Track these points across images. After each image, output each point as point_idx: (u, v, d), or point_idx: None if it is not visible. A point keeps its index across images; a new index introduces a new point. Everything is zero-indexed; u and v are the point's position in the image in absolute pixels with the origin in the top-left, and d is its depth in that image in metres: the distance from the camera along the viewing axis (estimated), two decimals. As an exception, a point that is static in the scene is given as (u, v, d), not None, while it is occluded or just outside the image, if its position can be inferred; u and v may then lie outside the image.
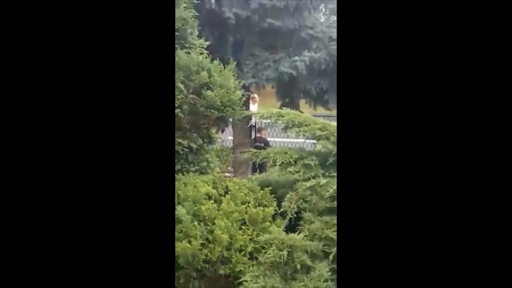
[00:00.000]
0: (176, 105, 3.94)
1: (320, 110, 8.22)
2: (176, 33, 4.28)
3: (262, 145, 7.60)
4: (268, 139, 8.79)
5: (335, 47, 6.89)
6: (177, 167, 4.21)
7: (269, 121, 4.25)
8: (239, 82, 4.61)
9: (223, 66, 4.37)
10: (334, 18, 8.47)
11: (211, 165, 4.81)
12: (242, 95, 4.46)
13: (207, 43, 4.63)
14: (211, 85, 4.14)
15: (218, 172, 4.90)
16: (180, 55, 4.09)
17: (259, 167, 7.43)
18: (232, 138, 8.76)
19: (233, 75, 4.44)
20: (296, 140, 4.43)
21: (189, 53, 4.22)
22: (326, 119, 4.59)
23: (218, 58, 4.47)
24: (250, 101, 9.29)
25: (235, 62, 4.70)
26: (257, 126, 8.65)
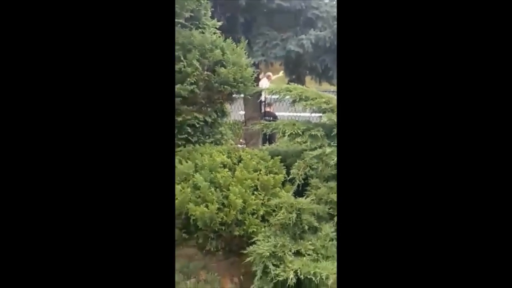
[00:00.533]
0: (192, 81, 3.94)
1: (325, 85, 8.15)
2: (191, 14, 4.23)
3: (271, 118, 7.59)
4: (276, 113, 8.76)
5: (339, 25, 6.76)
6: (194, 139, 4.23)
7: (278, 96, 4.24)
8: (250, 60, 4.57)
9: (235, 45, 4.33)
10: (338, -2, 8.29)
11: (225, 137, 4.83)
12: (254, 71, 4.43)
13: (220, 23, 4.57)
14: (224, 63, 4.11)
15: (231, 144, 4.92)
16: (195, 35, 4.06)
17: (269, 139, 7.44)
18: (243, 112, 8.73)
19: (245, 53, 4.40)
20: (302, 114, 4.39)
21: (203, 32, 4.18)
22: (331, 93, 4.56)
23: (230, 37, 4.43)
24: (266, 78, 9.18)
25: (246, 41, 4.66)
26: (266, 102, 8.61)
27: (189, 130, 4.16)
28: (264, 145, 5.73)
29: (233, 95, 4.47)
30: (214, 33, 4.32)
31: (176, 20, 4.11)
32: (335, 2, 7.55)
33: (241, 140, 8.33)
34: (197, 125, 4.26)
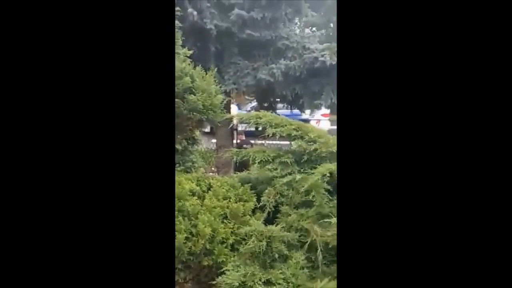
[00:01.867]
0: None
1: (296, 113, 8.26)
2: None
3: (249, 146, 7.59)
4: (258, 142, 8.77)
5: (309, 55, 6.93)
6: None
7: (248, 123, 4.24)
8: (220, 87, 4.58)
9: (205, 72, 4.34)
10: (307, 30, 8.54)
11: (196, 165, 4.77)
12: (223, 99, 4.43)
13: (190, 52, 4.59)
14: (194, 90, 4.10)
15: (203, 172, 4.86)
16: (164, 62, 4.05)
17: (241, 167, 7.41)
18: (215, 141, 8.71)
19: (215, 80, 4.41)
20: (282, 142, 4.37)
21: (172, 60, 4.18)
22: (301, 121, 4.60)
23: (200, 65, 4.44)
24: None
25: (216, 69, 4.68)
26: (238, 130, 8.64)
27: (159, 158, 4.09)
28: (235, 173, 5.69)
29: (204, 122, 4.45)
30: (184, 61, 4.33)
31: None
32: (305, 33, 7.77)
33: (212, 168, 8.26)
34: (167, 153, 4.19)
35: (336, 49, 6.75)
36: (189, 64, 4.29)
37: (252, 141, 8.56)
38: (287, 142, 4.25)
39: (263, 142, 7.33)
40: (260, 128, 4.14)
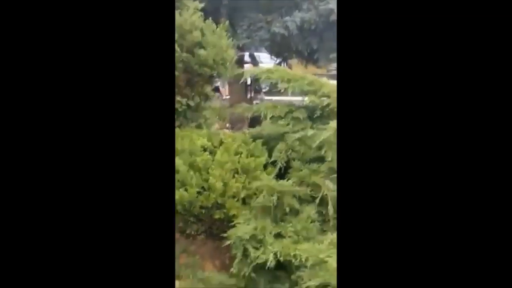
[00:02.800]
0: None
1: (311, 69, 8.09)
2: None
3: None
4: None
5: (324, 7, 6.69)
6: (177, 123, 4.16)
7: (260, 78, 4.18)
8: (233, 41, 4.48)
9: (215, 26, 4.23)
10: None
11: (209, 121, 4.76)
12: (236, 54, 4.36)
13: (202, 5, 4.46)
14: (203, 44, 4.03)
15: (217, 128, 4.86)
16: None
17: (254, 123, 7.39)
18: (228, 97, 8.67)
19: (227, 35, 4.31)
20: (296, 98, 4.29)
21: (180, 14, 4.08)
22: (318, 76, 4.50)
23: (211, 18, 4.33)
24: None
25: (228, 23, 4.55)
26: (254, 87, 8.54)
27: (172, 114, 4.09)
28: (249, 129, 5.69)
29: (215, 78, 4.40)
30: (194, 13, 4.22)
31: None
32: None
33: (227, 125, 8.27)
34: (180, 109, 4.19)
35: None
36: (199, 17, 4.18)
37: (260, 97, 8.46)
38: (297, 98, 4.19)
39: (270, 98, 7.22)
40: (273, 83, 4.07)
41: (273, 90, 4.77)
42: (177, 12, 4.04)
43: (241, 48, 6.91)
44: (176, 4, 4.20)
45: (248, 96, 8.52)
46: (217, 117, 6.54)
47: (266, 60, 9.14)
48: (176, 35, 3.88)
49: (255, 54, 8.85)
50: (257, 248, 2.97)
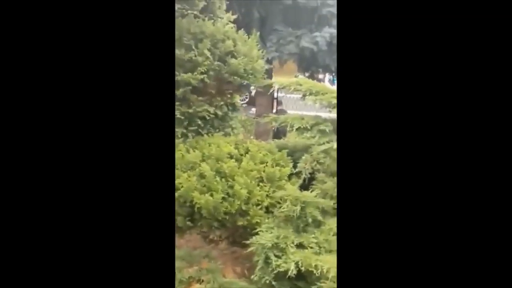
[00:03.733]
0: (203, 71, 3.95)
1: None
2: (205, 4, 4.25)
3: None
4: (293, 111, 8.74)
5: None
6: (204, 131, 4.24)
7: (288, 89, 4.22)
8: (263, 54, 4.56)
9: (247, 37, 4.33)
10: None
11: (235, 131, 4.82)
12: (265, 64, 4.42)
13: (234, 16, 4.57)
14: (235, 53, 4.11)
15: (241, 139, 4.91)
16: (208, 25, 4.07)
17: (279, 135, 7.43)
18: (255, 109, 8.74)
19: (256, 45, 4.39)
20: (320, 113, 4.32)
21: (213, 24, 4.19)
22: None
23: (242, 29, 4.43)
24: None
25: (259, 35, 4.64)
26: (278, 99, 8.60)
27: (200, 123, 4.17)
28: (273, 141, 5.72)
29: (243, 88, 4.46)
30: (227, 24, 4.33)
31: (189, 11, 4.13)
32: None
33: (251, 137, 8.34)
34: (208, 118, 4.27)
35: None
36: (232, 28, 4.28)
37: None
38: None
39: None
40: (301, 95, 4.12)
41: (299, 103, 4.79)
42: (210, 22, 4.16)
43: (269, 62, 6.99)
44: (209, 14, 4.33)
45: (274, 110, 8.57)
46: (243, 127, 6.61)
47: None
48: (209, 44, 3.99)
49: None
50: (279, 257, 2.98)
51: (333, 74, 8.01)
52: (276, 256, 2.98)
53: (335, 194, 3.41)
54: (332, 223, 3.24)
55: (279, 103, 8.62)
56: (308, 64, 7.82)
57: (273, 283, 2.97)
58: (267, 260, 3.01)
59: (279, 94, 8.95)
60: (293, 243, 3.06)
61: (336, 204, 3.37)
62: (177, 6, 3.97)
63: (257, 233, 3.16)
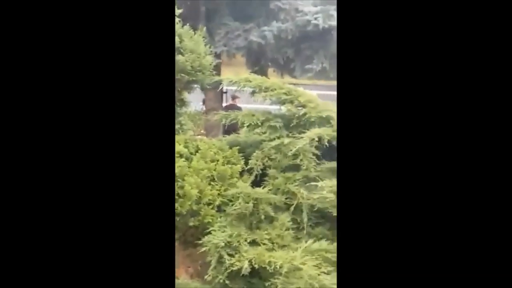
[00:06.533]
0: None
1: (287, 78, 8.19)
2: None
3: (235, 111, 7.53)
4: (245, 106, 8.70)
5: (301, 18, 6.83)
6: (151, 128, 4.14)
7: (237, 86, 4.21)
8: (210, 49, 4.51)
9: (193, 32, 4.26)
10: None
11: (184, 127, 4.75)
12: (213, 60, 4.38)
13: (179, 10, 4.48)
14: (181, 50, 4.04)
15: (191, 135, 4.85)
16: (152, 21, 3.96)
17: (230, 130, 7.40)
18: (203, 104, 8.65)
19: (204, 41, 4.34)
20: (271, 106, 4.35)
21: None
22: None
23: (188, 24, 4.35)
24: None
25: (206, 29, 4.59)
26: (229, 94, 8.55)
27: (146, 120, 4.06)
28: (224, 137, 5.70)
29: (192, 85, 4.40)
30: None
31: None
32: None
33: (201, 131, 8.25)
34: (155, 115, 4.17)
35: (329, 12, 6.66)
36: (177, 23, 4.19)
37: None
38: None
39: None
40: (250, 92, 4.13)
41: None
42: (155, 17, 4.05)
43: (218, 56, 6.94)
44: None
45: (224, 103, 8.54)
46: (192, 123, 6.52)
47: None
48: (154, 40, 3.89)
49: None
50: (232, 255, 2.99)
51: None
52: (229, 254, 3.00)
53: (286, 189, 3.47)
54: (284, 218, 3.30)
55: (232, 98, 8.57)
56: (256, 58, 7.86)
57: (227, 282, 2.98)
58: (220, 259, 3.02)
59: (231, 88, 8.88)
60: (246, 240, 3.09)
61: (288, 199, 3.44)
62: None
63: (209, 233, 3.15)
